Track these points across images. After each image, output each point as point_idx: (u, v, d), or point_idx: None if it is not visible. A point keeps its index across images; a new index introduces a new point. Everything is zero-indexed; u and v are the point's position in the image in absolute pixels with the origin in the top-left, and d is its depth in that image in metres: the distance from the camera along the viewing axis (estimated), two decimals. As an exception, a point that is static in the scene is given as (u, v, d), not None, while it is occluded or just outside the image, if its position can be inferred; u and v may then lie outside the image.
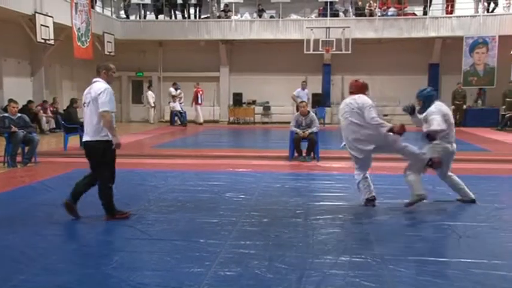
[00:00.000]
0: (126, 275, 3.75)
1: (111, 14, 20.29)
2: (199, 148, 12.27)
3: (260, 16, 20.72)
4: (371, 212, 5.75)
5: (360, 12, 20.35)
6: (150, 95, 20.66)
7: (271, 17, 20.70)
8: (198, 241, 4.58)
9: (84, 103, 5.24)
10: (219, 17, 20.89)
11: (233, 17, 20.51)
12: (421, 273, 3.80)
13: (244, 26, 20.40)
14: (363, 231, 4.98)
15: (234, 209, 5.81)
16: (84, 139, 5.28)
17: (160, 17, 21.10)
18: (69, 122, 11.56)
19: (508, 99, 17.82)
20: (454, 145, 6.05)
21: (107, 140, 5.13)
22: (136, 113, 21.93)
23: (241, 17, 20.89)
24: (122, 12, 21.35)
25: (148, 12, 21.15)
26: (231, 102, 21.03)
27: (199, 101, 19.86)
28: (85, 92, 5.29)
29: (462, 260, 4.12)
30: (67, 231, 5.08)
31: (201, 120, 19.91)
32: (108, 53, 18.77)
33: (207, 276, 3.74)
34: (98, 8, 19.49)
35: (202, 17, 20.96)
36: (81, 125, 11.63)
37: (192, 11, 20.96)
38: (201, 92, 19.88)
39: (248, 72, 21.04)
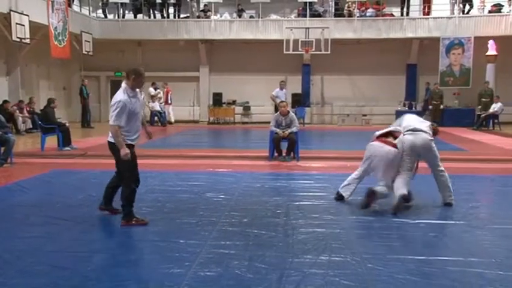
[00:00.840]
0: (105, 277, 3.71)
1: (89, 13, 20.05)
2: (179, 148, 12.19)
3: (240, 16, 20.72)
4: (350, 211, 5.79)
5: (339, 13, 20.51)
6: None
7: (251, 17, 20.73)
8: (177, 241, 4.55)
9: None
10: (198, 16, 20.82)
11: (213, 17, 20.47)
12: (399, 271, 3.84)
13: (224, 26, 20.38)
14: (343, 230, 5.01)
15: (214, 209, 5.80)
16: (108, 139, 5.23)
17: (139, 16, 20.96)
18: (46, 122, 11.38)
19: (483, 100, 18.15)
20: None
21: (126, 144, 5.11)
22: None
23: (221, 17, 20.86)
24: (100, 11, 21.12)
25: (126, 12, 20.96)
26: (211, 102, 20.97)
27: (169, 101, 19.78)
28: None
29: (439, 258, 4.18)
30: (44, 233, 4.99)
31: (173, 120, 19.85)
32: (86, 53, 18.56)
33: (187, 276, 3.72)
34: (75, 7, 19.25)
35: (181, 16, 20.88)
36: (59, 125, 11.62)
37: (171, 10, 20.87)
38: (170, 92, 19.77)
39: (228, 72, 21.02)
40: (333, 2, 20.85)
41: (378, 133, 6.07)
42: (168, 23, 20.35)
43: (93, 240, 4.77)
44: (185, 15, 21.04)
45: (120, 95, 5.01)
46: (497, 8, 19.54)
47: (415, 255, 4.27)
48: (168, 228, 5.03)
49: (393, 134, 5.98)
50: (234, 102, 20.95)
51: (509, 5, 19.28)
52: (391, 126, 6.24)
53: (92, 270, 3.86)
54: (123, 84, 5.11)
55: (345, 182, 6.32)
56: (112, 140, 5.09)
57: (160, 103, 19.38)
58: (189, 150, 11.45)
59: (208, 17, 20.44)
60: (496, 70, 18.67)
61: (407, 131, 5.91)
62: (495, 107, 17.62)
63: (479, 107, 18.25)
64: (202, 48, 20.89)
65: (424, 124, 6.06)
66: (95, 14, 20.73)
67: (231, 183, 7.43)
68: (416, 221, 5.35)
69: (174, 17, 20.76)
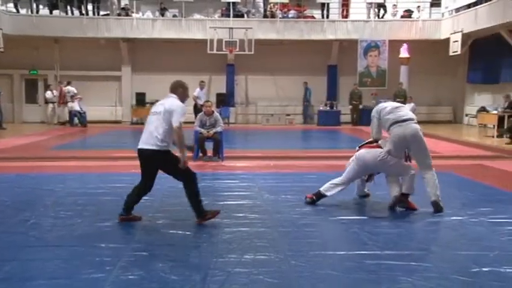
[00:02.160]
0: (18, 286, 3.52)
1: (-1, 7, 18.86)
2: (101, 149, 11.81)
3: (162, 15, 20.41)
4: (275, 209, 5.88)
5: (263, 14, 20.76)
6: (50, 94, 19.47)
7: (174, 16, 20.48)
8: (98, 246, 4.41)
9: (155, 113, 5.24)
10: (119, 14, 20.27)
11: (134, 15, 20.00)
12: (321, 267, 3.95)
13: (147, 25, 19.99)
14: (267, 229, 5.08)
15: (138, 211, 5.66)
16: (141, 147, 5.15)
17: (55, 12, 20.00)
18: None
19: (398, 100, 19.03)
20: None
21: (165, 150, 5.10)
22: (30, 114, 20.60)
23: (143, 15, 20.43)
24: (11, 5, 19.92)
25: (41, 7, 19.93)
26: (134, 102, 20.49)
27: (68, 100, 19.03)
28: (158, 103, 5.41)
29: (357, 252, 4.35)
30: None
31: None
32: (-5, 49, 17.44)
33: (108, 281, 3.61)
34: (-17, 1, 18.04)
35: (101, 14, 20.19)
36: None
37: (90, 7, 20.11)
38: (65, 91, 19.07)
39: (151, 72, 20.59)
40: (261, 3, 21.11)
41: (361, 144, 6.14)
42: (87, 20, 19.63)
43: (4, 248, 4.45)
44: (105, 13, 20.38)
45: (179, 101, 5.23)
46: (408, 14, 20.74)
47: (336, 250, 4.42)
48: (88, 233, 4.85)
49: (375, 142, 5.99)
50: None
51: (418, 11, 20.54)
52: (372, 119, 6.08)
53: (3, 280, 3.64)
54: (173, 96, 5.32)
55: (330, 185, 6.05)
56: (152, 148, 5.04)
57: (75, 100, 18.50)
58: (112, 151, 11.13)
59: (129, 15, 19.94)
60: (409, 72, 19.71)
61: (393, 123, 5.69)
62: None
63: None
64: (124, 47, 20.34)
65: (411, 113, 5.87)
66: (4, 8, 19.48)
67: (155, 185, 7.24)
68: (339, 218, 5.53)
69: (94, 14, 20.05)
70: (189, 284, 3.58)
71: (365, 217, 5.63)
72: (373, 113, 6.05)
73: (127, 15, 20.02)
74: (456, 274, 3.78)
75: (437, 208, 5.63)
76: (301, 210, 5.82)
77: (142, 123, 19.68)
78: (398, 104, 6.10)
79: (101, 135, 15.72)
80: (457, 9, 19.37)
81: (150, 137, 5.11)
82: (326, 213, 5.69)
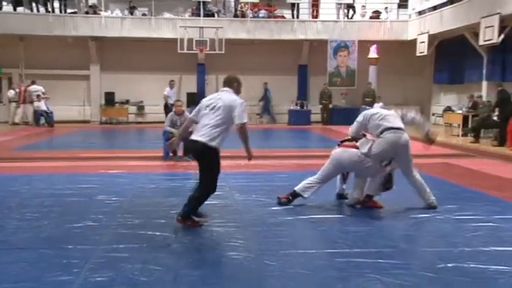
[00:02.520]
0: (-17, 290, 3.44)
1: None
2: (68, 149, 11.60)
3: (132, 13, 20.16)
4: (246, 209, 5.89)
5: (233, 13, 20.73)
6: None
7: (144, 14, 20.26)
8: (66, 247, 4.33)
9: (212, 107, 5.07)
10: (86, 12, 19.92)
11: (103, 13, 19.70)
12: (291, 265, 3.98)
13: (115, 23, 19.71)
14: (238, 228, 5.08)
15: (106, 212, 5.60)
16: (196, 138, 5.03)
17: (20, 9, 19.51)
18: None
19: (367, 99, 19.35)
20: None
21: (216, 148, 4.99)
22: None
23: (112, 13, 20.14)
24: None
25: (5, 3, 19.42)
26: (103, 102, 20.18)
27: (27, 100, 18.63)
28: (212, 97, 5.23)
29: (327, 250, 4.41)
30: None
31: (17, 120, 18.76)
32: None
33: (76, 283, 3.55)
34: None
35: (68, 11, 19.80)
36: None
37: (56, 4, 19.68)
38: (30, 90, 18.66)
39: (121, 71, 20.34)
40: (231, 2, 21.06)
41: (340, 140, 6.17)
42: (53, 18, 19.21)
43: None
44: (72, 11, 20.00)
45: (237, 96, 5.13)
46: (377, 15, 21.07)
47: (307, 249, 4.45)
48: (55, 234, 4.76)
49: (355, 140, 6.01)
50: (127, 102, 20.36)
51: (387, 13, 20.89)
52: (356, 122, 6.08)
53: (-32, 284, 3.55)
54: (228, 90, 5.18)
55: (305, 185, 6.04)
56: (208, 143, 4.93)
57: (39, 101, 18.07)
58: (80, 152, 10.96)
59: (97, 13, 19.62)
60: (378, 72, 20.01)
61: (387, 129, 5.75)
62: (376, 107, 18.86)
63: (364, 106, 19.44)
64: (92, 45, 20.00)
65: (401, 123, 5.96)
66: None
67: (125, 185, 7.22)
68: (309, 216, 5.58)
69: (60, 11, 19.64)
70: (159, 285, 3.55)
71: (335, 216, 5.68)
72: (360, 117, 6.08)
73: (95, 13, 19.68)
74: (423, 270, 3.86)
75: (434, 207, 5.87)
76: (271, 210, 5.84)
77: (112, 123, 19.70)
78: (391, 112, 6.14)
79: (69, 135, 15.43)
80: (424, 11, 19.77)
81: (207, 133, 4.99)
82: (296, 213, 5.72)
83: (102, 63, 20.63)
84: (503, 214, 5.66)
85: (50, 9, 19.34)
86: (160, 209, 5.83)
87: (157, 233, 4.84)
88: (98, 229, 4.93)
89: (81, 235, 4.74)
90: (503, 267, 3.92)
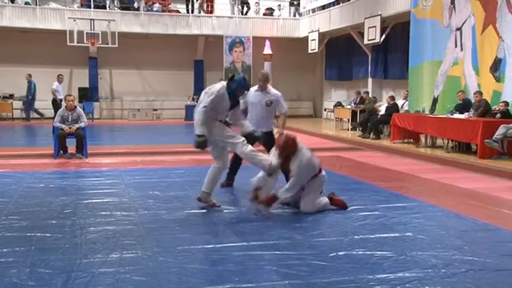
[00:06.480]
0: None
1: None
2: None
3: (12, 1, 18.75)
4: (142, 206, 5.76)
5: (125, 6, 20.09)
6: None
7: (27, 3, 18.94)
8: None
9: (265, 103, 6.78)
10: (-39, -2, 18.23)
11: (-21, 1, 18.16)
12: (189, 261, 3.97)
13: (-6, 11, 18.25)
14: (134, 226, 4.96)
15: (-10, 215, 5.19)
16: (262, 129, 6.45)
17: None
18: None
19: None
20: None
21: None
22: None
23: (-10, 1, 18.62)
24: None
25: None
26: (-17, 97, 18.64)
27: None
28: (257, 94, 6.87)
29: (225, 245, 4.43)
30: None
31: None
32: None
33: (-46, 294, 3.27)
34: None
35: None
36: None
37: None
38: None
39: (3, 64, 18.90)
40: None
41: None
42: None
43: None
44: None
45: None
46: (270, 12, 21.65)
47: (204, 244, 4.46)
48: None
49: None
50: (11, 96, 18.96)
51: (279, 10, 21.53)
52: None
53: None
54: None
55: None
56: (270, 130, 6.78)
57: None
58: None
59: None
60: (272, 68, 20.51)
61: None
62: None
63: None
64: (-33, 35, 18.37)
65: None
66: None
67: (9, 185, 6.75)
68: (204, 211, 5.60)
69: None
70: (50, 289, 3.37)
71: (232, 210, 5.76)
72: None
73: (-30, -1, 18.08)
74: (316, 259, 4.04)
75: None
76: (168, 206, 5.78)
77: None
78: None
79: None
80: (314, 10, 20.64)
81: (267, 123, 6.86)
82: (193, 208, 5.71)
83: (-20, 55, 19.00)
84: (388, 203, 6.08)
85: None
86: (50, 208, 5.53)
87: (48, 235, 4.58)
88: (-21, 234, 4.56)
89: (-41, 241, 4.35)
90: (387, 253, 4.23)
